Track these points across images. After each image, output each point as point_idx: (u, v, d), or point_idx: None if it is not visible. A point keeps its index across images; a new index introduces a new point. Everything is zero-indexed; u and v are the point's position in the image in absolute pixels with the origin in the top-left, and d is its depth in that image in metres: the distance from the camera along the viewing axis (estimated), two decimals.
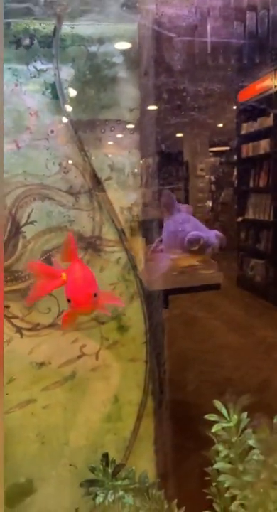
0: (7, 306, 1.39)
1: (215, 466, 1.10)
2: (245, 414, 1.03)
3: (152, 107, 1.48)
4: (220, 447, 1.12)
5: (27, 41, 1.27)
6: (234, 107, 5.41)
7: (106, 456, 0.97)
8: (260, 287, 5.08)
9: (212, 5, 1.11)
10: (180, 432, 1.55)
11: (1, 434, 0.61)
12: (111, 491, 0.90)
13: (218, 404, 1.13)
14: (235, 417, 1.09)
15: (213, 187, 6.76)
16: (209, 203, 6.63)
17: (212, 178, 6.73)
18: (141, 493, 0.94)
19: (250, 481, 1.01)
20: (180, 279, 2.38)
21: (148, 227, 1.51)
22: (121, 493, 0.90)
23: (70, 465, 1.44)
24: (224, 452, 1.10)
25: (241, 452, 1.08)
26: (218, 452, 1.12)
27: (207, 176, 6.66)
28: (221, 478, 1.05)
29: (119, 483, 0.91)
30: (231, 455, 1.09)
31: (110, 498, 0.89)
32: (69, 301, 0.91)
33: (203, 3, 1.15)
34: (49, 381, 1.42)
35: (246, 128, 5.35)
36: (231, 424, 1.09)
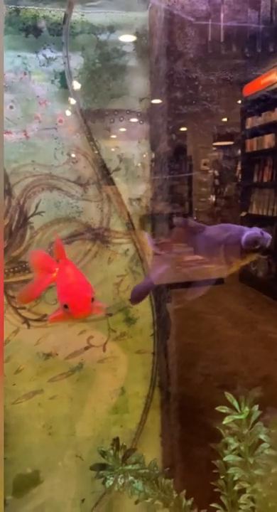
0: (14, 297, 1.39)
1: (225, 459, 1.10)
2: (256, 407, 1.03)
3: (159, 98, 1.46)
4: (230, 440, 1.11)
5: (42, 24, 1.24)
6: (239, 101, 5.37)
7: (116, 440, 0.97)
8: (262, 283, 5.07)
9: None
10: (186, 425, 1.55)
11: (1, 434, 0.61)
12: (121, 475, 0.90)
13: (229, 396, 1.13)
14: (246, 409, 1.08)
15: (216, 181, 6.73)
16: (213, 198, 6.60)
17: (216, 172, 6.69)
18: (150, 481, 0.93)
19: (260, 474, 1.01)
20: (183, 274, 2.37)
21: (157, 219, 1.50)
22: (130, 478, 0.90)
23: (76, 456, 1.44)
24: (234, 445, 1.10)
25: (251, 445, 1.07)
26: (227, 445, 1.11)
27: (210, 171, 6.62)
28: (231, 471, 1.05)
29: (130, 467, 0.91)
30: (242, 448, 1.08)
31: (120, 481, 0.88)
32: (65, 306, 0.87)
33: None
34: (56, 372, 1.41)
35: (250, 122, 5.31)
36: (242, 416, 1.09)
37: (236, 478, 1.02)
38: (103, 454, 0.94)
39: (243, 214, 5.53)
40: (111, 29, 1.34)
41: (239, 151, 5.82)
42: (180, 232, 1.49)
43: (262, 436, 0.97)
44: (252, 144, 5.36)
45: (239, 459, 1.03)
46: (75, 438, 1.43)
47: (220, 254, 1.35)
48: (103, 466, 0.92)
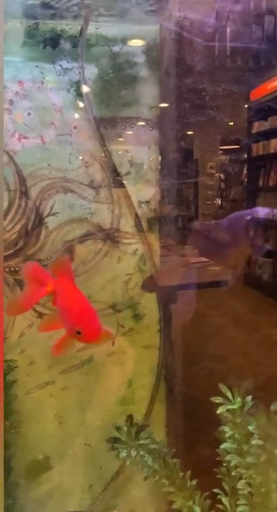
0: None
1: (222, 446, 1.17)
2: (249, 398, 1.09)
3: (167, 105, 1.54)
4: (226, 428, 1.18)
5: (67, 44, 1.32)
6: (246, 106, 5.44)
7: (130, 417, 1.05)
8: (267, 285, 5.12)
9: (231, 9, 1.17)
10: (190, 415, 1.62)
11: (1, 434, 0.67)
12: (134, 449, 0.97)
13: (223, 387, 1.19)
14: (239, 399, 1.15)
15: (223, 185, 6.79)
16: (219, 201, 6.66)
17: (222, 176, 6.76)
18: (159, 459, 1.01)
19: (252, 462, 1.07)
20: (189, 275, 2.44)
21: (165, 221, 1.58)
22: (142, 452, 0.97)
23: (85, 444, 1.51)
24: (229, 433, 1.16)
25: (245, 433, 1.14)
26: (224, 432, 1.18)
27: (216, 174, 6.68)
28: (228, 457, 1.12)
29: (142, 442, 0.99)
30: (236, 435, 1.15)
31: (133, 453, 0.96)
32: (78, 333, 0.89)
33: (223, 7, 1.21)
34: (67, 364, 1.49)
35: (257, 127, 5.38)
36: (235, 406, 1.15)
37: (232, 464, 1.09)
38: (117, 429, 1.02)
39: (249, 217, 5.59)
40: (124, 41, 1.43)
41: (245, 155, 5.89)
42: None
43: (250, 428, 1.04)
44: (258, 148, 5.42)
45: (234, 446, 1.10)
46: (84, 427, 1.51)
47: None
48: (117, 440, 1.00)
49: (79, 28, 1.38)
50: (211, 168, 6.59)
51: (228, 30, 1.18)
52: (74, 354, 1.49)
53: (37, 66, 1.38)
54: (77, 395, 1.50)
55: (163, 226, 1.72)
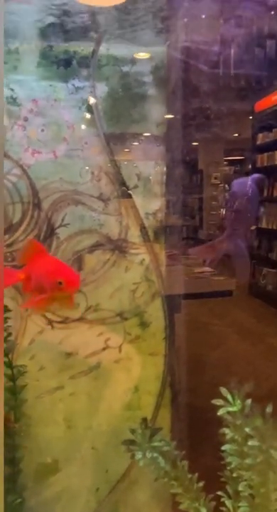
0: None
1: (223, 448, 1.20)
2: (249, 401, 1.14)
3: (174, 122, 1.61)
4: (227, 430, 1.22)
5: (79, 65, 1.40)
6: (250, 118, 5.52)
7: (145, 420, 1.10)
8: (272, 296, 5.15)
9: (235, 33, 1.24)
10: (194, 421, 1.66)
11: (1, 434, 0.71)
12: (149, 451, 1.02)
13: (223, 390, 1.23)
14: (239, 402, 1.19)
15: (227, 195, 6.85)
16: (223, 211, 6.72)
17: (226, 186, 6.83)
18: (170, 460, 1.05)
19: (251, 463, 1.11)
20: (193, 285, 2.48)
21: (170, 232, 1.64)
22: (155, 454, 1.02)
23: (93, 448, 1.56)
24: (230, 435, 1.21)
25: (245, 435, 1.18)
26: (225, 434, 1.22)
27: (221, 185, 6.76)
28: (229, 459, 1.16)
29: (156, 444, 1.03)
30: (236, 437, 1.19)
31: (148, 455, 1.01)
32: (60, 283, 0.95)
33: (227, 32, 1.28)
34: (76, 370, 1.54)
35: (261, 138, 5.46)
36: (235, 408, 1.19)
37: (232, 465, 1.13)
38: (132, 431, 1.06)
39: (253, 228, 5.63)
40: (133, 62, 1.50)
41: (250, 166, 5.96)
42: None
43: (247, 429, 1.08)
44: (263, 159, 5.49)
45: (235, 447, 1.14)
46: (92, 431, 1.55)
47: None
48: (132, 442, 1.05)
49: (91, 49, 1.46)
50: (215, 178, 6.67)
51: (232, 52, 1.25)
52: (83, 360, 1.55)
53: (51, 85, 1.46)
54: (85, 400, 1.55)
55: (169, 236, 1.78)
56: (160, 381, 1.59)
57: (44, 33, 1.42)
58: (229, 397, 1.12)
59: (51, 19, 1.35)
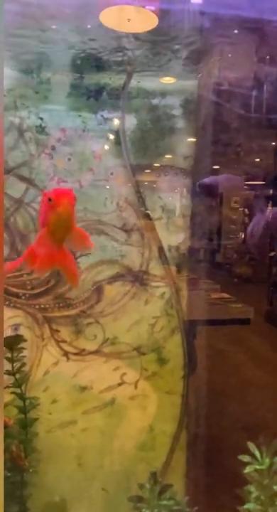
0: (57, 331, 1.50)
1: (246, 506, 1.13)
2: None
3: (201, 155, 1.59)
4: (252, 488, 1.15)
5: (109, 96, 1.37)
6: (273, 143, 5.47)
7: (154, 475, 1.04)
8: None
9: (269, 71, 1.22)
10: (212, 468, 1.58)
11: (1, 433, 0.67)
12: (157, 510, 0.96)
13: (251, 446, 1.17)
14: (267, 460, 1.12)
15: (246, 219, 6.79)
16: (242, 235, 6.64)
17: (246, 210, 6.76)
18: None
19: None
20: (210, 311, 2.41)
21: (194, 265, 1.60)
22: None
23: (103, 489, 1.49)
24: (255, 493, 1.13)
25: (271, 495, 1.11)
26: (250, 493, 1.15)
27: (240, 209, 6.69)
28: None
29: (165, 502, 0.97)
30: (262, 497, 1.12)
31: None
32: (50, 200, 0.84)
33: (261, 69, 1.26)
34: (89, 405, 1.49)
35: None
36: (263, 466, 1.13)
37: None
38: (141, 487, 1.00)
39: (272, 254, 5.54)
40: (163, 95, 1.49)
41: (271, 191, 5.89)
42: None
43: (276, 488, 1.01)
44: None
45: (259, 507, 1.07)
46: (103, 471, 1.49)
47: None
48: (140, 499, 0.99)
49: (121, 81, 1.45)
50: (235, 202, 6.61)
51: (264, 89, 1.23)
52: (97, 395, 1.50)
53: (80, 116, 1.45)
54: (98, 436, 1.50)
55: (192, 268, 1.73)
56: (177, 422, 1.52)
57: (76, 64, 1.42)
58: (257, 453, 1.05)
59: (84, 51, 1.36)
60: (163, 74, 1.47)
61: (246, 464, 1.15)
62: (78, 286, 1.44)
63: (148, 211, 1.51)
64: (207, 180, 1.40)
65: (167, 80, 1.50)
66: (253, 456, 1.17)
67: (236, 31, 1.12)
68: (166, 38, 1.30)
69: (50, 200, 0.85)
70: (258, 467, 1.14)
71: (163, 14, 1.13)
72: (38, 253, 0.92)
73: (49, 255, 0.92)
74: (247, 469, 1.14)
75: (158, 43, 1.34)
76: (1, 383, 0.76)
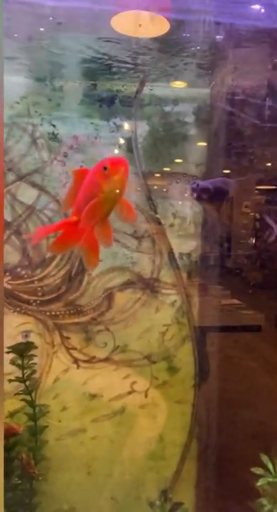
0: (67, 338, 1.49)
1: None
2: None
3: (214, 163, 1.57)
4: (264, 501, 1.13)
5: (122, 104, 1.36)
6: None
7: (165, 492, 1.02)
8: None
9: None
10: (223, 478, 1.55)
11: (1, 433, 0.66)
12: None
13: (265, 458, 1.15)
14: None
15: (257, 224, 6.72)
16: (253, 240, 6.58)
17: (257, 215, 6.69)
18: None
19: None
20: (221, 318, 2.38)
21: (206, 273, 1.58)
22: None
23: (112, 498, 1.48)
24: (268, 507, 1.11)
25: None
26: (262, 505, 1.12)
27: (251, 213, 6.63)
28: None
29: None
30: (275, 511, 1.09)
31: None
32: (105, 168, 0.81)
33: (275, 77, 1.25)
34: (99, 413, 1.48)
35: None
36: (276, 479, 1.10)
37: None
38: (151, 504, 0.99)
39: None
40: (176, 102, 1.49)
41: None
42: None
43: None
44: None
45: None
46: (112, 480, 1.48)
47: None
48: None
49: (134, 88, 1.45)
50: (246, 207, 6.56)
51: None
52: (107, 403, 1.49)
53: (92, 123, 1.45)
54: (107, 445, 1.48)
55: (203, 275, 1.71)
56: (187, 431, 1.51)
57: (88, 71, 1.42)
58: (270, 465, 1.03)
59: (96, 58, 1.36)
60: (176, 81, 1.47)
61: (259, 476, 1.13)
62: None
63: (157, 215, 1.50)
64: (201, 183, 1.36)
65: (179, 85, 1.49)
66: (266, 468, 1.15)
67: (249, 40, 1.11)
68: (180, 47, 1.29)
69: (105, 168, 0.82)
70: (271, 480, 1.12)
71: (177, 24, 1.12)
72: (84, 226, 0.86)
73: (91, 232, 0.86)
74: (260, 482, 1.12)
75: (171, 52, 1.33)
76: (1, 387, 0.75)
